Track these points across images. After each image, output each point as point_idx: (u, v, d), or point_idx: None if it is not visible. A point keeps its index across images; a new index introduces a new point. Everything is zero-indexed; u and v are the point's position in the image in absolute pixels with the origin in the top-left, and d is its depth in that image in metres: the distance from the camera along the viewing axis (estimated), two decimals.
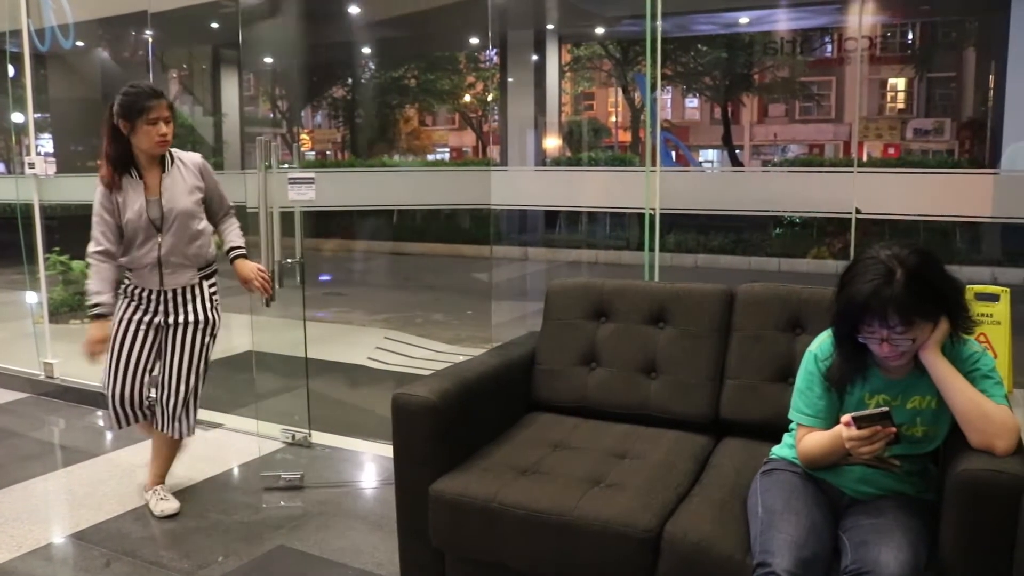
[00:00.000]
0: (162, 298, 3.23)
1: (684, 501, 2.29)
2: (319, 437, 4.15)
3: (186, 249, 3.20)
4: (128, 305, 3.25)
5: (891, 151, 22.20)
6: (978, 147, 17.52)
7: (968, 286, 4.78)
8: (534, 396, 2.97)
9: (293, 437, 4.14)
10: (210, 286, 3.32)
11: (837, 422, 2.11)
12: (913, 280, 1.95)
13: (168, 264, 3.19)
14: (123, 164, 3.13)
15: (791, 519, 2.01)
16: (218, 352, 3.46)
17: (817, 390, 2.16)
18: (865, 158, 19.71)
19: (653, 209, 4.04)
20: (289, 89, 20.88)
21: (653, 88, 4.14)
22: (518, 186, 5.13)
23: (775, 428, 2.36)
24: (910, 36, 23.84)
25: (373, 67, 22.72)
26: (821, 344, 2.20)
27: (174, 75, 17.68)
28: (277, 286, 3.53)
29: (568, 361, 2.93)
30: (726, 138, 20.83)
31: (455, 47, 21.00)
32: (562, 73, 19.11)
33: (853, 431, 1.98)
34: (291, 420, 4.20)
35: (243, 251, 3.34)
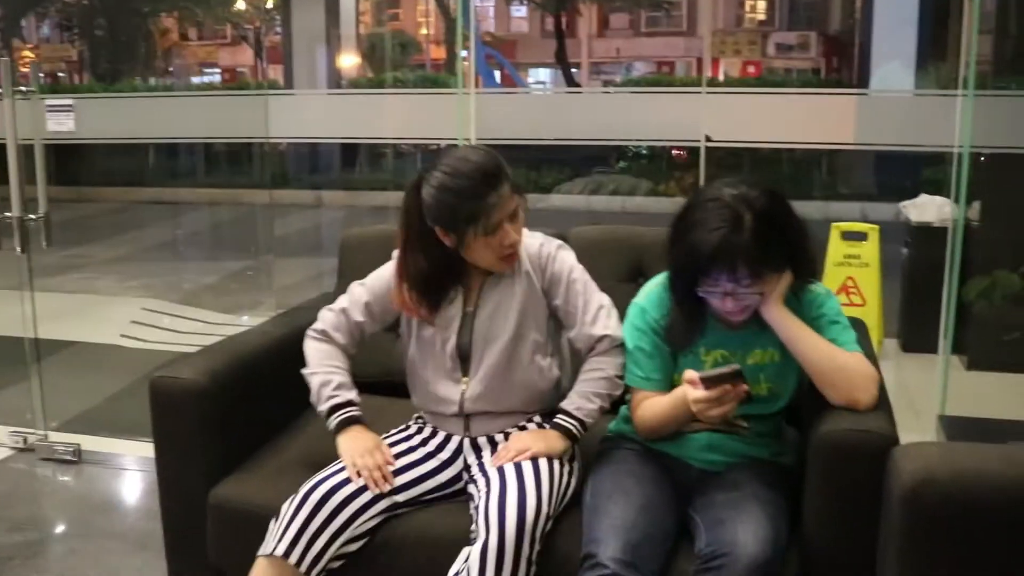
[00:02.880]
0: None
1: None
2: (60, 438, 4.01)
3: None
4: None
5: (751, 69, 23.16)
6: (845, 65, 18.53)
7: (834, 224, 5.13)
8: None
9: (25, 440, 3.97)
10: None
11: (671, 380, 2.21)
12: (763, 227, 2.04)
13: None
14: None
15: (619, 500, 2.10)
16: None
17: (647, 348, 2.25)
18: (722, 77, 20.49)
19: (468, 140, 4.07)
20: None
21: None
22: (307, 115, 5.05)
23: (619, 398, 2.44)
24: None
25: None
26: (648, 294, 2.29)
27: None
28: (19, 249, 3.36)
29: None
30: (560, 55, 21.13)
31: None
32: None
33: (700, 392, 2.07)
34: (20, 419, 4.05)
35: None
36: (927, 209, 5.28)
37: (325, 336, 2.42)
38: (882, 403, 2.12)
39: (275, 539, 2.16)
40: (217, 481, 2.43)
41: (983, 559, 1.81)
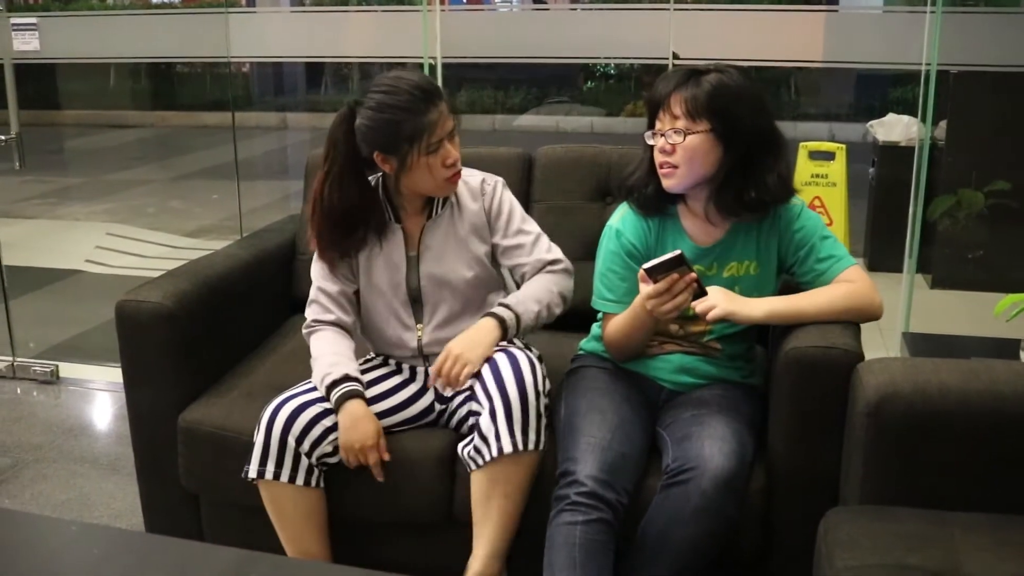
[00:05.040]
0: None
1: None
2: (28, 365, 3.99)
3: None
4: None
5: None
6: None
7: (801, 144, 5.12)
8: (297, 293, 2.94)
9: None
10: None
11: None
12: (721, 87, 2.10)
13: None
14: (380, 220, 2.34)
15: (595, 419, 2.12)
16: None
17: (619, 270, 2.26)
18: None
19: (433, 58, 4.02)
20: None
21: None
22: (270, 34, 4.96)
23: (587, 317, 2.46)
24: None
25: None
26: (623, 217, 2.30)
27: None
28: None
29: None
30: None
31: None
32: None
33: (649, 287, 2.07)
34: None
35: None
36: (894, 128, 5.29)
37: (316, 324, 2.35)
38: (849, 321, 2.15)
39: (256, 463, 2.19)
40: (186, 405, 2.43)
41: (943, 470, 1.85)
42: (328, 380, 2.21)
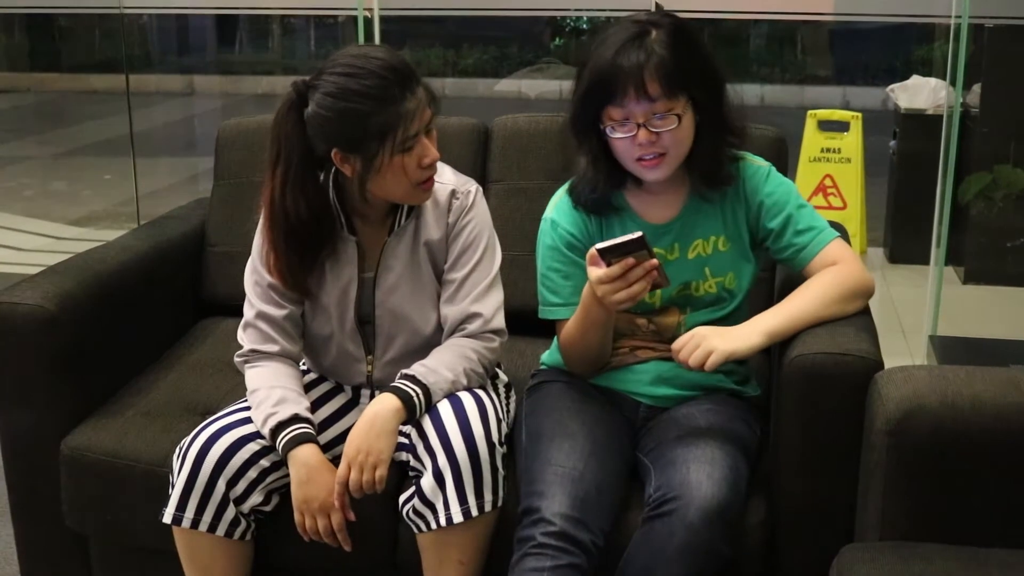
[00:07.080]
0: None
1: None
2: None
3: None
4: None
5: None
6: None
7: (810, 112, 5.16)
8: (207, 293, 2.96)
9: None
10: None
11: None
12: (675, 40, 2.06)
13: None
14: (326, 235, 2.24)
15: (563, 445, 2.11)
16: None
17: (561, 267, 2.26)
18: None
19: (369, 10, 4.01)
20: None
21: None
22: None
23: (550, 323, 2.45)
24: None
25: None
26: (557, 205, 2.30)
27: None
28: None
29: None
30: None
31: None
32: None
33: (600, 270, 2.03)
34: None
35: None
36: (919, 93, 5.33)
37: (255, 354, 2.27)
38: (864, 323, 2.16)
39: (173, 506, 2.14)
40: (71, 428, 2.41)
41: (978, 499, 1.86)
42: (273, 422, 2.13)
